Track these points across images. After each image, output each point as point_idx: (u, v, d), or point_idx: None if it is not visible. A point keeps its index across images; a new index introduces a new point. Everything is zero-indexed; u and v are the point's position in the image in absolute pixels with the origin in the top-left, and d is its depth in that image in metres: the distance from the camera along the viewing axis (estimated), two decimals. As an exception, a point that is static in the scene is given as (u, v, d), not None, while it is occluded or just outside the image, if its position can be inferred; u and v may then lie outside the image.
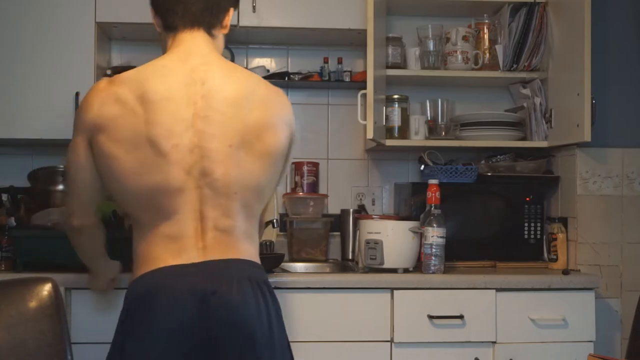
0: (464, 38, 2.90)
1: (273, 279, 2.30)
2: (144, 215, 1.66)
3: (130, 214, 1.71)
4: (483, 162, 2.97)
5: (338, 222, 3.00)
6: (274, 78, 2.96)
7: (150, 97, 1.63)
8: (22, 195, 2.75)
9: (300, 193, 2.99)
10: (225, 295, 1.59)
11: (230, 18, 1.83)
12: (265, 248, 2.84)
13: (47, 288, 1.80)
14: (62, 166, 2.86)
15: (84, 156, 1.71)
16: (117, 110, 1.64)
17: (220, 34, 1.82)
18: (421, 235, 2.50)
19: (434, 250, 2.48)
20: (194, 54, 1.72)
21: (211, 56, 1.75)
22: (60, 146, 2.90)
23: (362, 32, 2.70)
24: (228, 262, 1.64)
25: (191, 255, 1.62)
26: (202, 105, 1.65)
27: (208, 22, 1.77)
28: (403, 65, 2.95)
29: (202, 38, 1.76)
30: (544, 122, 2.85)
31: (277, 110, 1.74)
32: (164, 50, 1.82)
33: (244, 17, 2.76)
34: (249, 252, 1.70)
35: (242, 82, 1.71)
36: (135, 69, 1.73)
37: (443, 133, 2.96)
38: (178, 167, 1.61)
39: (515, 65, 2.87)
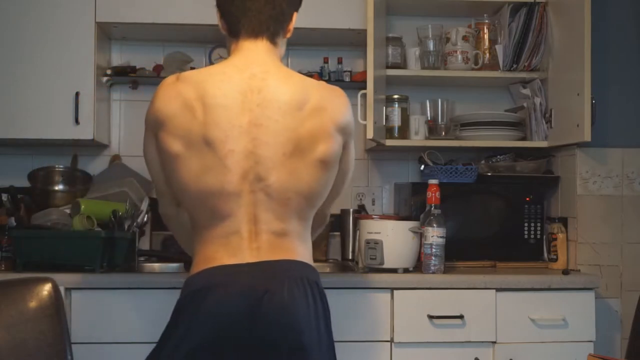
0: (464, 38, 2.90)
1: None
2: (200, 215, 1.71)
3: (188, 212, 1.76)
4: (483, 162, 2.97)
5: (338, 222, 2.99)
6: (274, 78, 2.95)
7: (209, 101, 1.66)
8: (22, 195, 2.75)
9: (300, 193, 2.98)
10: (276, 295, 1.63)
11: (294, 23, 1.85)
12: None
13: (47, 288, 1.80)
14: (61, 166, 2.86)
15: (152, 151, 1.76)
16: (177, 107, 1.67)
17: (283, 40, 1.84)
18: (421, 235, 2.50)
19: (434, 250, 2.48)
20: (254, 63, 1.74)
21: (270, 64, 1.75)
22: (60, 146, 2.92)
23: (362, 32, 2.70)
24: (281, 262, 1.69)
25: (245, 255, 1.67)
26: (258, 113, 1.67)
27: (272, 32, 1.78)
28: (403, 65, 2.95)
29: (264, 47, 1.78)
30: (544, 122, 2.85)
31: (330, 118, 1.73)
32: (228, 51, 1.84)
33: (244, 17, 2.76)
34: (301, 253, 1.74)
35: (297, 91, 1.72)
36: (196, 70, 1.77)
37: (443, 133, 2.96)
38: (233, 172, 1.65)
39: (515, 65, 2.87)
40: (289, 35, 1.85)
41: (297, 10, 1.86)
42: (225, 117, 1.65)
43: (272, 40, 1.78)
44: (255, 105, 1.68)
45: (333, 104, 1.75)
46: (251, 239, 1.68)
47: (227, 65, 1.76)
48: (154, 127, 1.72)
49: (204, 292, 1.64)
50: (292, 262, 1.70)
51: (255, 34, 1.76)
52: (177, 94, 1.68)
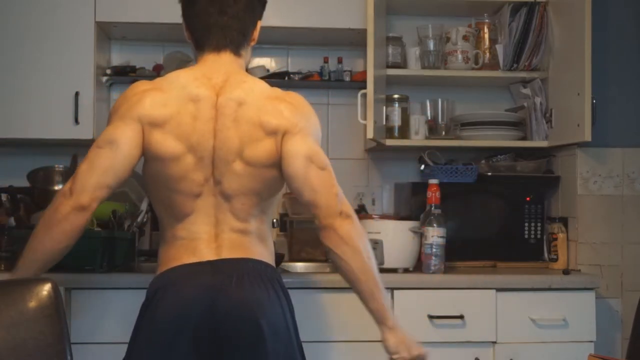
0: (464, 38, 2.90)
1: (273, 279, 2.30)
2: (165, 216, 1.79)
3: (157, 214, 1.84)
4: (483, 162, 2.96)
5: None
6: (274, 78, 2.96)
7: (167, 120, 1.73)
8: (22, 195, 2.75)
9: (301, 193, 2.98)
10: (234, 291, 1.67)
11: (258, 30, 1.89)
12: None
13: (46, 288, 1.79)
14: (61, 166, 2.86)
15: (127, 141, 1.72)
16: (171, 111, 1.72)
17: (248, 49, 1.88)
18: (421, 235, 2.50)
19: (434, 250, 2.48)
20: (217, 73, 1.77)
21: (233, 75, 1.78)
22: (60, 146, 2.92)
23: (362, 32, 2.69)
24: (239, 260, 1.73)
25: (204, 254, 1.73)
26: (219, 121, 1.72)
27: (236, 45, 1.83)
28: (403, 65, 2.95)
29: (228, 59, 1.82)
30: (544, 122, 2.85)
31: (259, 124, 1.74)
32: (194, 56, 1.89)
33: (244, 16, 2.76)
34: (261, 253, 1.78)
35: (254, 102, 1.74)
36: (160, 79, 1.82)
37: (443, 133, 2.96)
38: (197, 181, 1.72)
39: (515, 65, 2.87)
40: (253, 43, 1.89)
41: (260, 18, 1.90)
42: (198, 127, 1.71)
43: (236, 52, 1.83)
44: (218, 113, 1.73)
45: (267, 113, 1.74)
46: (210, 239, 1.74)
47: (195, 73, 1.78)
48: (142, 124, 1.72)
49: (162, 290, 1.70)
50: (251, 260, 1.74)
51: (218, 48, 1.81)
52: (165, 100, 1.73)
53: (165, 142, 1.71)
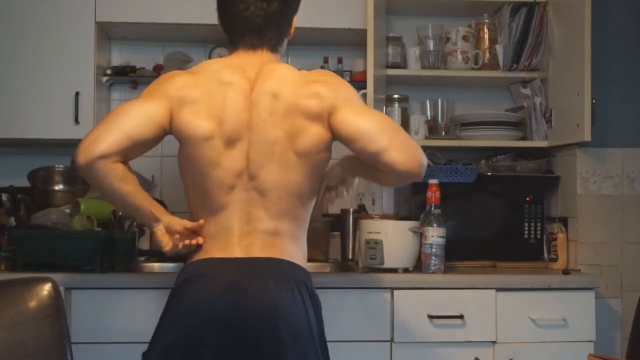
0: (464, 38, 2.90)
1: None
2: (196, 209, 1.79)
3: (190, 205, 1.83)
4: (483, 162, 2.97)
5: (338, 222, 2.99)
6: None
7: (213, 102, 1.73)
8: (22, 195, 2.75)
9: (300, 193, 2.98)
10: (258, 291, 1.66)
11: (294, 24, 1.90)
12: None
13: (47, 288, 1.80)
14: (61, 166, 2.86)
15: (152, 106, 1.72)
16: (202, 91, 1.72)
17: (283, 45, 1.88)
18: (421, 235, 2.50)
19: (434, 250, 2.48)
20: (251, 67, 1.77)
21: (269, 66, 1.78)
22: (60, 146, 2.92)
23: (362, 32, 2.70)
24: (269, 260, 1.72)
25: (234, 250, 1.73)
26: (254, 113, 1.72)
27: (273, 44, 1.83)
28: (403, 65, 2.95)
29: (264, 55, 1.82)
30: (544, 122, 2.85)
31: (301, 112, 1.73)
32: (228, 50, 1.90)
33: (244, 17, 2.76)
34: (292, 253, 1.77)
35: (290, 92, 1.74)
36: (203, 62, 1.83)
37: (443, 133, 2.96)
38: (230, 170, 1.71)
39: (515, 65, 2.87)
40: (289, 37, 1.90)
41: (296, 12, 1.90)
42: (233, 116, 1.71)
43: (273, 50, 1.84)
44: (253, 105, 1.72)
45: (304, 98, 1.74)
46: (242, 235, 1.73)
47: (230, 63, 1.79)
48: (175, 100, 1.73)
49: (188, 284, 1.70)
50: (281, 261, 1.73)
51: (254, 47, 1.81)
52: (197, 82, 1.74)
53: (196, 121, 1.71)
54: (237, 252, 1.72)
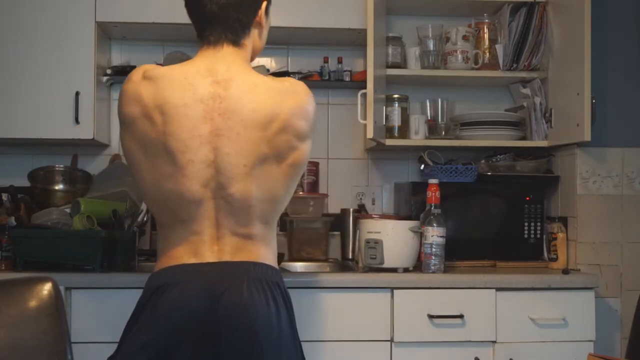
0: (464, 38, 2.90)
1: (273, 279, 2.30)
2: (161, 216, 1.74)
3: (152, 212, 1.80)
4: (483, 161, 2.97)
5: (338, 222, 3.00)
6: (274, 78, 2.96)
7: (168, 110, 1.64)
8: (22, 195, 2.75)
9: (300, 192, 2.98)
10: (234, 295, 1.64)
11: (262, 12, 1.81)
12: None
13: (47, 288, 1.80)
14: (61, 166, 2.86)
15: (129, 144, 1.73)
16: (138, 113, 1.67)
17: (251, 37, 1.80)
18: (421, 235, 2.50)
19: (434, 249, 2.48)
20: (217, 69, 1.71)
21: (234, 70, 1.72)
22: (60, 146, 2.92)
23: (362, 32, 2.70)
24: (241, 263, 1.70)
25: (206, 255, 1.69)
26: (219, 123, 1.65)
27: (236, 34, 1.76)
28: (403, 64, 2.95)
29: (229, 52, 1.75)
30: (544, 122, 2.85)
31: (294, 134, 1.71)
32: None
33: (244, 16, 2.76)
34: (264, 255, 1.74)
35: (262, 104, 1.68)
36: (162, 68, 1.71)
37: (443, 132, 2.96)
38: (194, 181, 1.65)
39: (515, 65, 2.87)
40: (259, 27, 1.82)
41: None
42: (185, 127, 1.64)
43: (236, 43, 1.76)
44: (217, 115, 1.65)
45: (295, 117, 1.71)
46: (212, 242, 1.70)
47: (190, 68, 1.72)
48: (122, 124, 1.73)
49: (162, 289, 1.67)
50: (253, 263, 1.71)
51: (214, 44, 1.75)
52: (137, 98, 1.67)
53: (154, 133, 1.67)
54: (209, 257, 1.69)
